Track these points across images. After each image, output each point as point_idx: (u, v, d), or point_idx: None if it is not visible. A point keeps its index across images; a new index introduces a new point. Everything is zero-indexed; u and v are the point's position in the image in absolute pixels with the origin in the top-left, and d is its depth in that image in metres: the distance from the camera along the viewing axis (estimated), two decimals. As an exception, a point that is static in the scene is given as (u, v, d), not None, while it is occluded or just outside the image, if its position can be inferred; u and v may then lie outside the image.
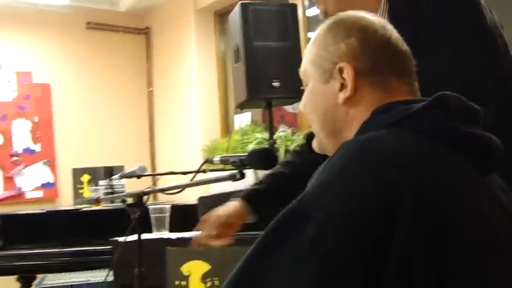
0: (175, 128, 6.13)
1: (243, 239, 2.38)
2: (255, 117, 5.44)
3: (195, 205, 2.56)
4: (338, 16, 1.16)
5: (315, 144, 1.22)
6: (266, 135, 4.86)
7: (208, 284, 2.37)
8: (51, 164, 5.85)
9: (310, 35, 4.77)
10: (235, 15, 3.55)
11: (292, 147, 4.48)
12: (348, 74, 1.07)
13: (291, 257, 0.87)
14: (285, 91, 3.47)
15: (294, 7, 3.68)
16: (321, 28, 1.17)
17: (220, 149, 5.19)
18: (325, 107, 1.13)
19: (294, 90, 3.53)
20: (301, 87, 1.22)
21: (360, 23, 1.12)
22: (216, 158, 1.66)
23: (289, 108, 5.40)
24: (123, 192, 4.98)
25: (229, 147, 4.65)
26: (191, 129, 5.84)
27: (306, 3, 4.88)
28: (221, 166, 3.36)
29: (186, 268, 2.40)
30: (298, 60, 3.55)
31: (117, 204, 4.42)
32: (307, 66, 1.18)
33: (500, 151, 1.00)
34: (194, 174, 1.76)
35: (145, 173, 2.73)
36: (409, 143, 0.94)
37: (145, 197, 1.75)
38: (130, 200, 1.78)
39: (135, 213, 1.72)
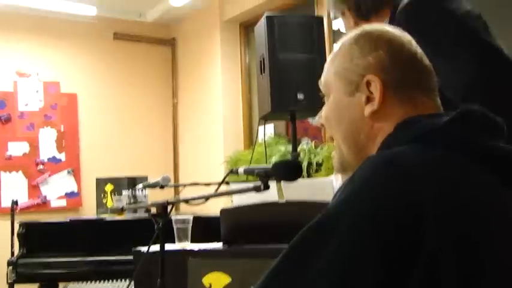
0: (199, 140, 6.14)
1: (265, 252, 2.36)
2: (278, 129, 5.43)
3: (217, 217, 2.54)
4: (364, 29, 1.15)
5: (335, 162, 1.20)
6: (289, 147, 4.85)
7: (230, 297, 2.35)
8: (76, 173, 5.89)
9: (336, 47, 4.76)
10: (261, 27, 3.54)
11: (315, 160, 4.46)
12: (376, 87, 1.06)
13: (315, 269, 0.87)
14: (309, 103, 3.44)
15: (320, 20, 3.67)
16: (346, 40, 1.15)
17: (244, 160, 5.19)
18: (349, 120, 1.11)
19: (319, 103, 3.51)
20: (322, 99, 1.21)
21: (387, 36, 1.11)
22: (241, 169, 1.65)
23: (312, 120, 5.39)
24: (146, 202, 5.02)
25: (253, 159, 4.64)
26: (215, 140, 5.84)
27: (332, 16, 4.86)
28: (245, 177, 3.35)
29: (207, 280, 2.38)
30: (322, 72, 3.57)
31: (141, 215, 4.46)
32: (329, 78, 1.16)
33: None
34: (218, 185, 1.74)
35: (169, 184, 2.74)
36: (432, 158, 0.93)
37: (169, 207, 1.74)
38: (154, 210, 1.76)
39: (159, 223, 1.70)
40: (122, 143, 6.18)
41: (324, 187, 2.70)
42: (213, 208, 3.09)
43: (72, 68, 6.02)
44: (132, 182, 5.07)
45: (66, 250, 3.93)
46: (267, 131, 5.23)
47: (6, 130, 5.61)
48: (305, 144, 4.66)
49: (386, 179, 0.89)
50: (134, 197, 5.01)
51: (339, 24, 5.01)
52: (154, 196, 4.18)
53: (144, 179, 5.13)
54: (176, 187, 4.59)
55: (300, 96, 3.42)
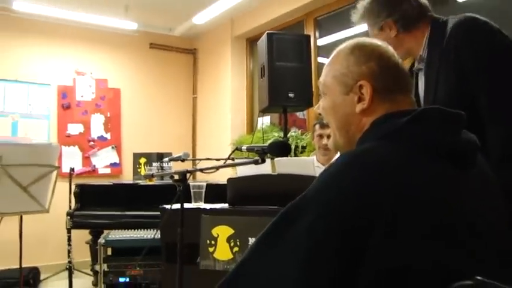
0: (212, 126, 6.13)
1: (263, 211, 2.37)
2: (273, 120, 5.42)
3: (224, 184, 2.54)
4: (358, 41, 1.13)
5: (330, 143, 1.20)
6: (281, 134, 4.85)
7: (232, 244, 2.36)
8: (118, 149, 5.87)
9: (320, 59, 4.75)
10: (262, 42, 3.53)
11: (301, 144, 4.46)
12: (367, 91, 1.05)
13: (288, 243, 0.86)
14: (298, 101, 3.44)
15: (308, 37, 3.64)
16: (342, 50, 1.14)
17: (246, 143, 5.18)
18: (343, 114, 1.11)
19: (305, 101, 3.51)
20: (319, 95, 1.20)
21: (378, 50, 1.10)
22: (244, 147, 1.64)
23: (300, 114, 5.38)
24: (153, 172, 5.03)
25: (253, 142, 4.64)
26: (224, 127, 5.84)
27: (317, 35, 4.85)
28: (246, 154, 3.32)
29: (215, 231, 2.39)
30: (309, 78, 3.55)
31: (167, 181, 4.46)
32: (328, 79, 1.14)
33: (476, 149, 0.98)
34: (226, 159, 1.74)
35: (188, 158, 2.74)
36: (392, 155, 0.91)
37: (188, 175, 1.73)
38: (177, 177, 1.76)
39: (180, 187, 1.70)
40: (153, 127, 6.17)
41: (307, 164, 2.70)
42: (221, 178, 3.11)
43: (117, 69, 5.99)
44: (160, 157, 5.07)
45: (110, 206, 3.94)
46: (264, 121, 5.25)
47: (66, 115, 5.58)
48: (293, 132, 4.65)
49: (348, 175, 0.87)
50: (161, 168, 5.02)
51: (323, 40, 5.00)
52: (178, 167, 4.18)
53: (169, 154, 5.13)
54: (193, 161, 4.57)
55: (291, 95, 3.41)
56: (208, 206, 2.56)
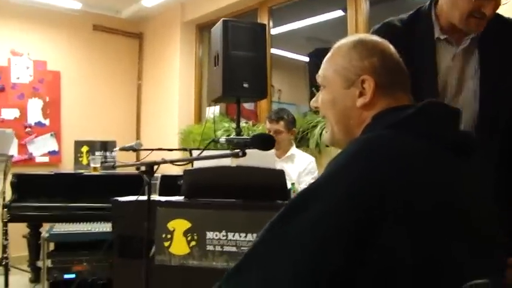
0: (158, 114, 6.02)
1: (221, 204, 2.35)
2: (220, 110, 5.40)
3: (179, 176, 2.50)
4: (360, 37, 1.16)
5: (327, 136, 1.20)
6: (232, 124, 4.83)
7: (189, 238, 2.32)
8: (57, 136, 5.64)
9: (272, 50, 4.76)
10: (217, 29, 3.47)
11: (252, 135, 4.45)
12: (369, 85, 1.07)
13: (295, 232, 0.87)
14: (252, 91, 3.42)
15: (263, 26, 3.62)
16: (343, 44, 1.15)
17: (195, 133, 5.13)
18: (343, 107, 1.12)
19: (259, 91, 3.51)
20: (311, 89, 1.21)
21: (380, 46, 1.13)
22: (222, 139, 1.62)
23: (246, 104, 5.38)
24: (115, 161, 4.90)
25: (203, 133, 4.59)
26: (171, 115, 5.75)
27: (271, 24, 4.85)
28: (214, 146, 3.24)
29: (172, 225, 2.34)
30: (264, 68, 3.54)
31: (113, 171, 4.34)
32: (328, 73, 1.15)
33: (475, 143, 1.04)
34: (202, 150, 1.70)
35: (141, 148, 2.67)
36: (400, 142, 0.95)
37: (155, 167, 1.68)
38: (143, 168, 1.70)
39: (147, 179, 1.64)
40: (95, 113, 5.97)
41: (267, 157, 2.69)
42: (170, 169, 3.05)
43: (57, 50, 5.73)
44: (103, 145, 4.93)
45: (51, 197, 3.79)
46: (213, 111, 5.21)
47: (0, 98, 5.30)
48: (244, 123, 4.65)
49: (357, 165, 0.90)
50: (105, 157, 4.88)
51: (276, 30, 5.01)
52: (122, 157, 4.09)
53: (113, 142, 4.99)
54: (141, 151, 4.47)
55: (245, 85, 3.39)
56: (163, 198, 2.51)
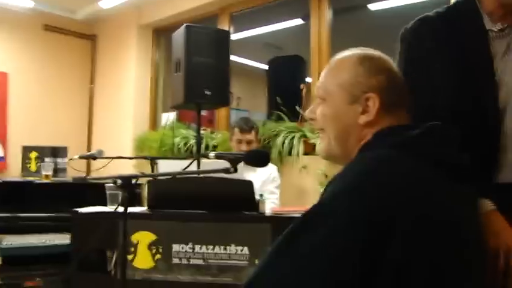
0: (111, 119, 5.86)
1: (188, 216, 2.29)
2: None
3: (138, 184, 2.43)
4: (366, 52, 1.14)
5: (322, 149, 1.18)
6: (189, 131, 4.76)
7: (153, 251, 2.26)
8: (3, 141, 5.39)
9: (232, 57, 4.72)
10: (179, 34, 3.41)
11: (212, 143, 4.41)
12: (374, 104, 1.07)
13: (306, 251, 0.85)
14: (214, 99, 3.38)
15: (227, 33, 3.60)
16: (348, 58, 1.14)
17: (151, 139, 5.02)
18: (345, 123, 1.10)
19: (222, 99, 3.47)
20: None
21: (388, 64, 1.12)
22: (212, 154, 1.56)
23: (202, 112, 5.32)
24: (65, 168, 4.72)
25: (160, 140, 4.51)
26: (125, 121, 5.61)
27: (232, 30, 4.82)
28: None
29: (135, 237, 2.27)
30: (227, 75, 3.52)
31: (65, 179, 4.17)
32: (331, 86, 1.13)
33: (468, 165, 1.03)
34: (187, 165, 1.63)
35: (102, 156, 2.57)
36: (406, 163, 0.95)
37: (133, 180, 1.60)
38: (119, 182, 1.61)
39: (125, 193, 1.57)
40: (45, 118, 5.73)
41: (219, 166, 2.65)
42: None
43: (4, 51, 5.49)
44: (54, 151, 4.73)
45: (-2, 207, 3.57)
46: (169, 117, 5.12)
47: None
48: (202, 130, 4.58)
49: (365, 183, 0.90)
50: (56, 163, 4.70)
51: (236, 36, 5.00)
52: (76, 165, 3.92)
53: (64, 148, 4.81)
54: (93, 158, 4.32)
55: (207, 92, 3.35)
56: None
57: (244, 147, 3.44)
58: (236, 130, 3.50)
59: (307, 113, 1.20)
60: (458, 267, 0.91)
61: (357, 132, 1.09)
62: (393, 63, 1.14)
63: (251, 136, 3.46)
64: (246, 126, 3.48)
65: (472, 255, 0.98)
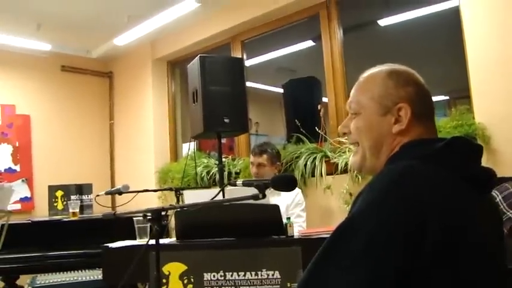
0: (132, 153, 5.93)
1: (217, 244, 2.31)
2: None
3: (167, 216, 2.45)
4: (393, 67, 1.19)
5: (356, 161, 1.21)
6: (211, 160, 4.80)
7: (185, 281, 2.27)
8: (29, 182, 5.49)
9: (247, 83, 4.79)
10: (194, 65, 3.48)
11: (234, 170, 4.43)
12: (406, 113, 1.11)
13: (345, 263, 0.88)
14: (232, 126, 3.43)
15: (241, 60, 3.66)
16: (377, 73, 1.19)
17: (173, 170, 5.07)
18: (379, 133, 1.14)
19: (240, 125, 3.51)
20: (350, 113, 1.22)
21: (414, 76, 1.17)
22: (239, 182, 1.58)
23: (222, 140, 5.35)
24: (91, 204, 4.79)
25: (184, 170, 4.54)
26: (146, 154, 5.67)
27: (245, 57, 4.89)
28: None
29: (166, 268, 2.29)
30: (244, 102, 3.55)
31: (91, 215, 4.23)
32: (364, 100, 1.18)
33: (495, 177, 1.06)
34: (216, 194, 1.66)
35: (128, 190, 2.61)
36: (433, 173, 0.97)
37: (163, 213, 1.62)
38: (149, 215, 1.63)
39: (154, 226, 1.59)
40: (67, 157, 5.84)
41: (245, 193, 2.68)
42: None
43: (26, 94, 5.64)
44: (79, 189, 4.84)
45: (28, 246, 3.63)
46: (190, 147, 5.16)
47: (-33, 145, 5.16)
48: (224, 158, 4.61)
49: (398, 191, 0.92)
50: (81, 200, 4.78)
51: (248, 62, 5.07)
52: (102, 201, 3.97)
53: (89, 186, 4.90)
54: (120, 193, 4.37)
55: (226, 120, 3.39)
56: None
57: (254, 170, 3.50)
58: (251, 154, 3.57)
59: (340, 128, 1.25)
60: (483, 279, 0.94)
61: (389, 142, 1.13)
62: (419, 76, 1.18)
63: (261, 159, 3.51)
64: (257, 149, 3.56)
65: (494, 251, 1.02)
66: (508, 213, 2.08)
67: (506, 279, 1.06)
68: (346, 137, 1.24)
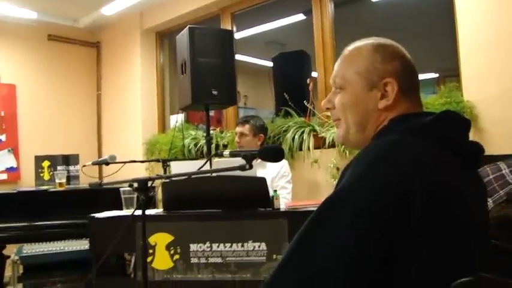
0: (119, 124, 5.89)
1: (204, 216, 2.31)
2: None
3: (154, 187, 2.45)
4: (379, 41, 1.16)
5: (340, 135, 1.19)
6: (199, 132, 4.79)
7: (172, 252, 2.28)
8: (15, 152, 5.44)
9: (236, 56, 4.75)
10: (183, 36, 3.43)
11: (222, 142, 4.43)
12: (392, 88, 1.10)
13: (331, 236, 0.88)
14: (221, 98, 3.41)
15: (230, 33, 3.62)
16: (363, 47, 1.16)
17: (161, 142, 5.05)
18: (365, 109, 1.12)
19: (229, 98, 3.49)
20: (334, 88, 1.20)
21: (401, 51, 1.15)
22: (226, 152, 1.57)
23: (210, 112, 5.33)
24: (78, 175, 4.77)
25: (170, 141, 4.53)
26: (133, 125, 5.64)
27: (234, 29, 4.84)
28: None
29: (153, 239, 2.30)
30: (232, 74, 3.53)
31: (78, 186, 4.21)
32: (349, 75, 1.15)
33: (483, 152, 1.06)
34: (204, 164, 1.65)
35: (115, 161, 2.60)
36: (420, 147, 0.96)
37: (150, 183, 1.62)
38: (136, 185, 1.63)
39: (141, 195, 1.59)
40: (55, 127, 5.79)
41: (232, 164, 2.68)
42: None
43: (11, 63, 5.54)
44: (66, 159, 4.80)
45: (14, 216, 3.61)
46: (178, 119, 5.13)
47: (-49, 114, 5.08)
48: (212, 130, 4.60)
49: (384, 164, 0.92)
50: (68, 171, 4.75)
51: (237, 35, 5.02)
52: (89, 171, 3.96)
53: (76, 156, 4.86)
54: (106, 164, 4.36)
55: (215, 92, 3.37)
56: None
57: (236, 139, 3.53)
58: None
59: (323, 103, 1.22)
60: (466, 253, 0.94)
61: (375, 118, 1.12)
62: (405, 50, 1.17)
63: (244, 129, 3.54)
64: (241, 119, 3.59)
65: (478, 224, 1.02)
66: None
67: (489, 253, 1.07)
68: (330, 112, 1.22)
